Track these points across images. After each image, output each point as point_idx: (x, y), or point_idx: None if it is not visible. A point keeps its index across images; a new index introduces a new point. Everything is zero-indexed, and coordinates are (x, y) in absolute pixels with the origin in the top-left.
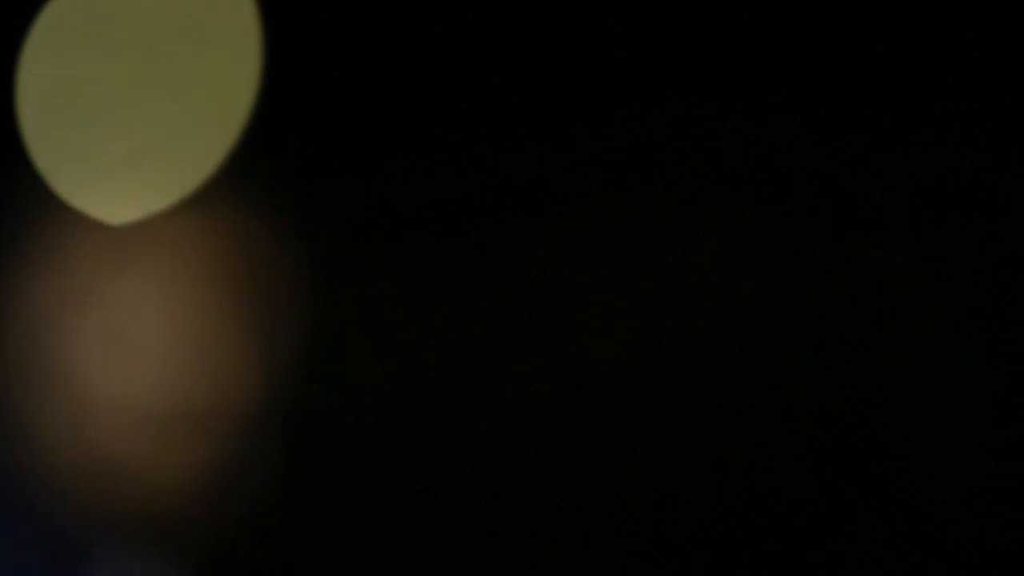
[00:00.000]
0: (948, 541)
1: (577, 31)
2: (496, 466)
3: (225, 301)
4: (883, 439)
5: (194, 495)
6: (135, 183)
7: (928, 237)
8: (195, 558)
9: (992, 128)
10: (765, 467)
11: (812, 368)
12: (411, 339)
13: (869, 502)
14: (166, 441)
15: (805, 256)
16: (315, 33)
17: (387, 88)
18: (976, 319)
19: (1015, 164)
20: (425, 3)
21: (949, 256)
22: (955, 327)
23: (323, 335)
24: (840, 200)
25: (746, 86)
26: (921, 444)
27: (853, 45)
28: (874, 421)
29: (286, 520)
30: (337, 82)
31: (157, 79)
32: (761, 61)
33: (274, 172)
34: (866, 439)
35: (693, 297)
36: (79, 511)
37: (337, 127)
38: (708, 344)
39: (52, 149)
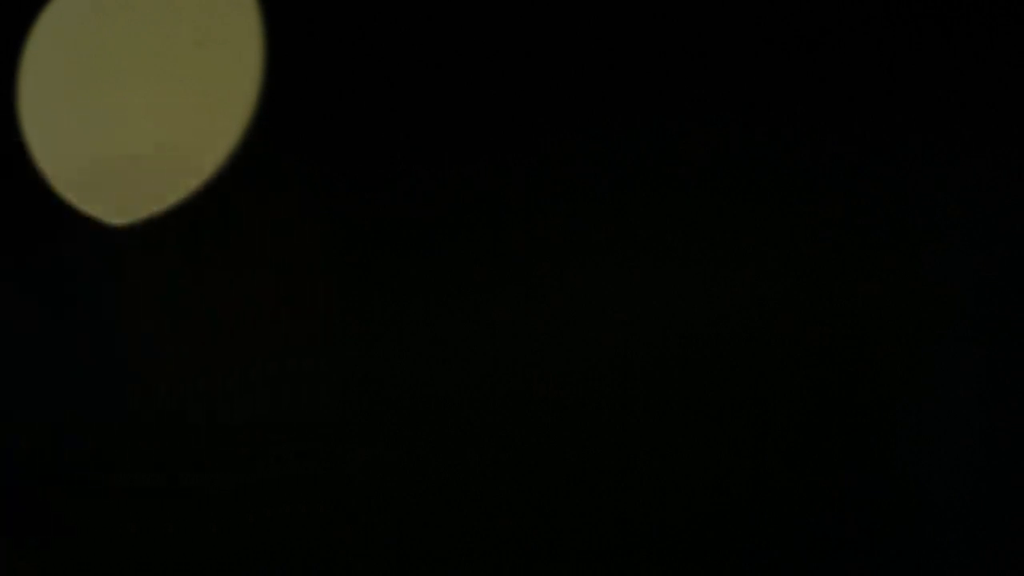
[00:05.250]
0: (948, 543)
1: (576, 31)
2: (494, 467)
3: (226, 300)
4: (883, 441)
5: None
6: (135, 183)
7: (927, 238)
8: None
9: (992, 128)
10: (763, 469)
11: (810, 369)
12: (412, 337)
13: (868, 504)
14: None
15: (804, 256)
16: (318, 34)
17: (391, 89)
18: (976, 320)
19: (1015, 164)
20: (425, 3)
21: (949, 257)
22: (955, 328)
23: (325, 333)
24: (839, 200)
25: (745, 85)
26: (921, 447)
27: (853, 45)
28: (874, 422)
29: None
30: (341, 83)
31: (158, 79)
32: (761, 60)
33: (276, 173)
34: (866, 440)
35: (691, 298)
36: None
37: (341, 128)
38: (706, 345)
39: (52, 149)
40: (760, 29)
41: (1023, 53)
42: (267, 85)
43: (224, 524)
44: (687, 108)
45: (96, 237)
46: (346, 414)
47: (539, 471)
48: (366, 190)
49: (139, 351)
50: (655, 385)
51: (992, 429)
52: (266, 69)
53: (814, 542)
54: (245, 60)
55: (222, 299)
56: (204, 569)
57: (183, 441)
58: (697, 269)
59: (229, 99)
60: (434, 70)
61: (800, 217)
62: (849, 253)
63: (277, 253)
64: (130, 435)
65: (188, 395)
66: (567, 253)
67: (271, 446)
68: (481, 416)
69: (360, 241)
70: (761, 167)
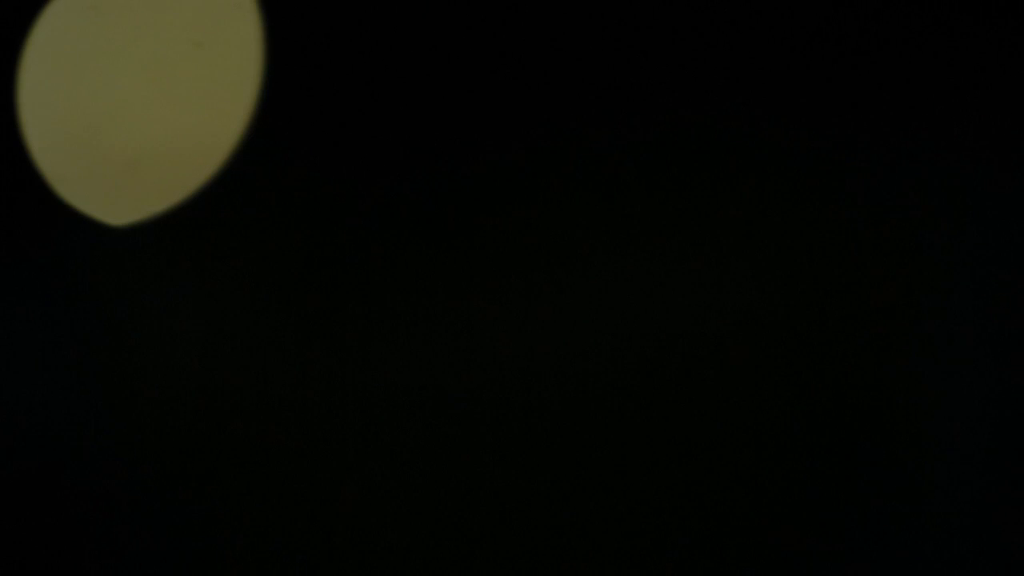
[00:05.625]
0: (949, 542)
1: (572, 30)
2: (487, 467)
3: (225, 299)
4: (882, 440)
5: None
6: (135, 183)
7: (928, 237)
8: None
9: (992, 128)
10: (762, 470)
11: (809, 369)
12: (408, 337)
13: (868, 505)
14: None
15: (802, 255)
16: (318, 35)
17: (389, 91)
18: (976, 319)
19: (1015, 164)
20: (425, 4)
21: (949, 256)
22: (955, 327)
23: (322, 333)
24: (838, 198)
25: (743, 83)
26: (921, 445)
27: (852, 43)
28: (873, 422)
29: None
30: (340, 84)
31: (158, 79)
32: (759, 58)
33: (275, 173)
34: (865, 440)
35: (689, 297)
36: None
37: (339, 129)
38: (704, 344)
39: (52, 149)
40: (759, 29)
41: (1023, 53)
42: (267, 85)
43: (218, 518)
44: (681, 106)
45: (96, 237)
46: (345, 410)
47: (537, 468)
48: (365, 189)
49: (138, 349)
50: (649, 387)
51: (992, 428)
52: (266, 69)
53: (813, 536)
54: (245, 60)
55: (221, 298)
56: (202, 562)
57: (181, 435)
58: (693, 269)
59: (229, 99)
60: (434, 71)
61: (796, 214)
62: (847, 252)
63: (276, 252)
64: (128, 430)
65: (187, 391)
66: (566, 252)
67: (268, 441)
68: (477, 414)
69: (359, 240)
70: (757, 165)
